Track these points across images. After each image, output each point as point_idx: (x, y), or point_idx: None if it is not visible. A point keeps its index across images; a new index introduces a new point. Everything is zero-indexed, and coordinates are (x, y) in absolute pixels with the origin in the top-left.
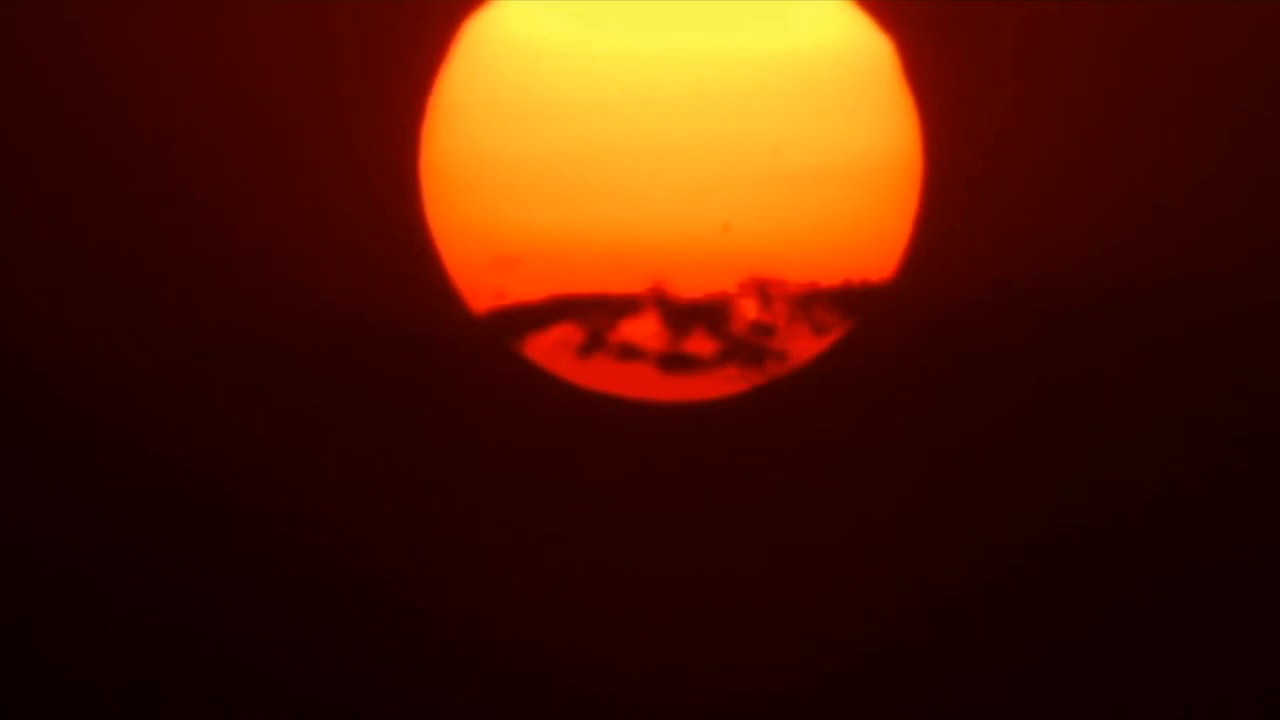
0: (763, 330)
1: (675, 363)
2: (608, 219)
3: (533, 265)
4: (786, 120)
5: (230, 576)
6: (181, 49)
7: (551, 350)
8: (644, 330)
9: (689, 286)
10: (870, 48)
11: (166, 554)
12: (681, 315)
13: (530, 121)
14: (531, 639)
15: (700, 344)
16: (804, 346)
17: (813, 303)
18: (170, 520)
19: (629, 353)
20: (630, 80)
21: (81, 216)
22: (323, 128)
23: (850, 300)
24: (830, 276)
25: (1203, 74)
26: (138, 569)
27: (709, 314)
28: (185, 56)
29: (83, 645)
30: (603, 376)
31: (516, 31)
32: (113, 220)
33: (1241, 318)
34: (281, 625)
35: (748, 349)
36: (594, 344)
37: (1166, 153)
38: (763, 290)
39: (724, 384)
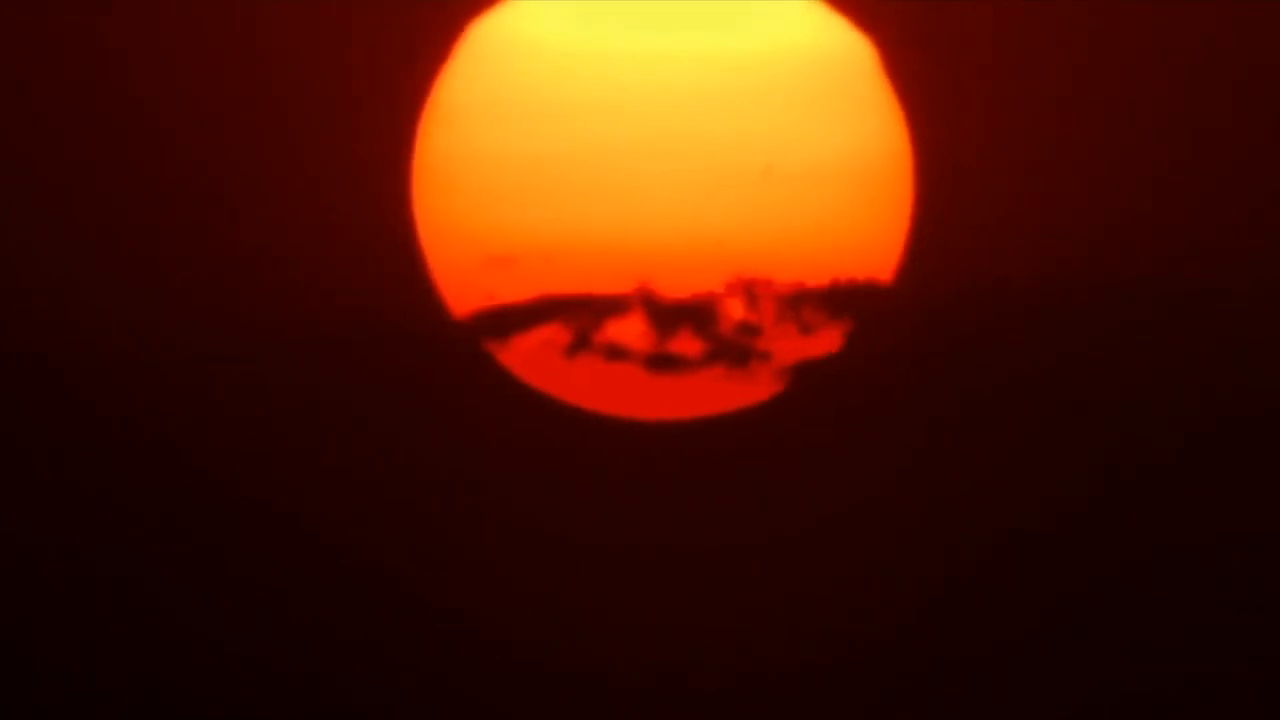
0: (749, 330)
1: (662, 363)
2: (595, 220)
3: (521, 266)
4: (774, 122)
5: (188, 570)
6: (185, 40)
7: (538, 351)
8: (631, 330)
9: (676, 287)
10: (851, 49)
11: (139, 546)
12: (668, 315)
13: (518, 122)
14: (507, 640)
15: (687, 344)
16: (791, 347)
17: (800, 302)
18: (145, 515)
19: (616, 353)
20: (618, 82)
21: (55, 197)
22: (317, 130)
23: (837, 299)
24: (818, 276)
25: (1180, 67)
26: (108, 564)
27: (696, 314)
28: (187, 48)
29: (66, 645)
30: (590, 377)
31: (513, 35)
32: (93, 207)
33: (1233, 312)
34: (248, 621)
35: (734, 349)
36: (581, 344)
37: (1149, 146)
38: (749, 290)
39: (712, 384)
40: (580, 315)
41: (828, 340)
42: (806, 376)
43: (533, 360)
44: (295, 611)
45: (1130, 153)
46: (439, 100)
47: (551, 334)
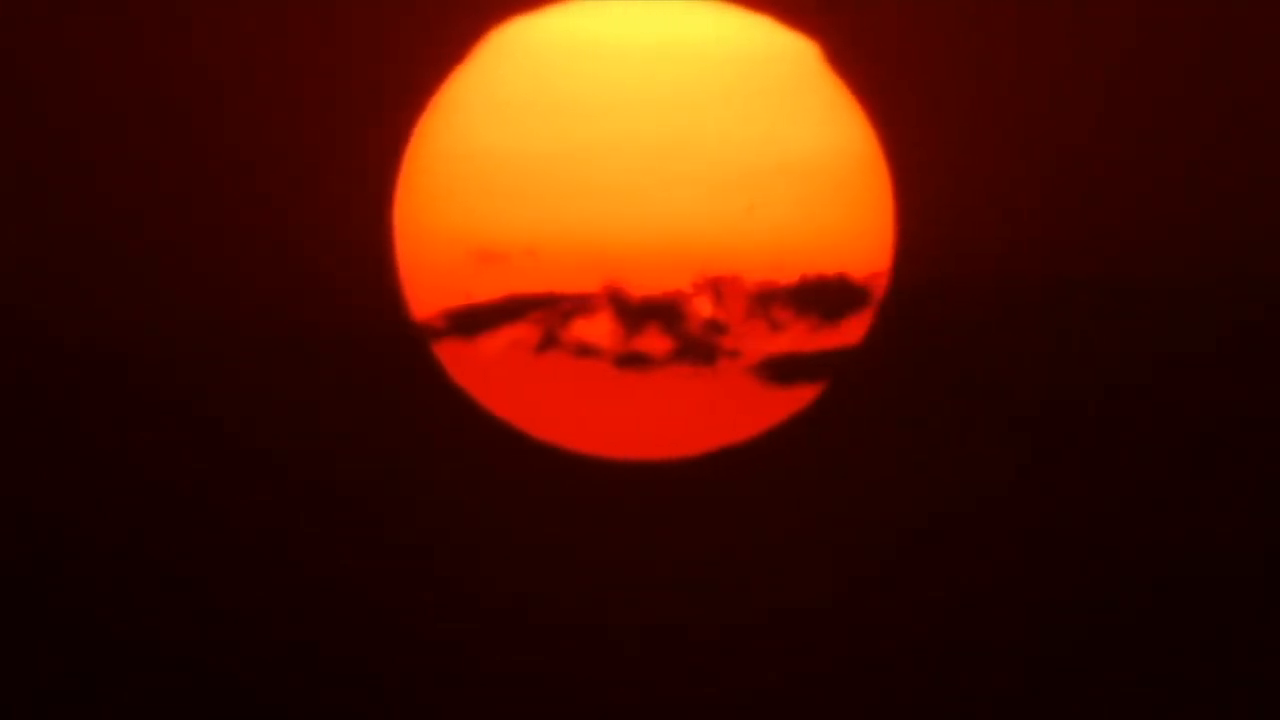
0: (716, 328)
1: (630, 361)
2: (563, 219)
3: (493, 265)
4: (741, 121)
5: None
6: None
7: (507, 349)
8: (599, 329)
9: (644, 285)
10: (797, 49)
11: (84, 546)
12: (636, 313)
13: (494, 122)
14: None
15: (654, 342)
16: (759, 345)
17: (770, 300)
18: (92, 512)
19: (584, 351)
20: (591, 81)
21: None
22: (316, 130)
23: (807, 297)
24: (787, 274)
25: (1133, 51)
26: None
27: (664, 312)
28: (185, 42)
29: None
30: (558, 374)
31: (516, 41)
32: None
33: (1219, 304)
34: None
35: (701, 347)
36: (549, 342)
37: (1113, 133)
38: (717, 288)
39: (679, 382)
40: (548, 314)
41: (798, 337)
42: (774, 372)
43: (501, 359)
44: (230, 614)
45: (1099, 139)
46: (439, 103)
47: (520, 333)
